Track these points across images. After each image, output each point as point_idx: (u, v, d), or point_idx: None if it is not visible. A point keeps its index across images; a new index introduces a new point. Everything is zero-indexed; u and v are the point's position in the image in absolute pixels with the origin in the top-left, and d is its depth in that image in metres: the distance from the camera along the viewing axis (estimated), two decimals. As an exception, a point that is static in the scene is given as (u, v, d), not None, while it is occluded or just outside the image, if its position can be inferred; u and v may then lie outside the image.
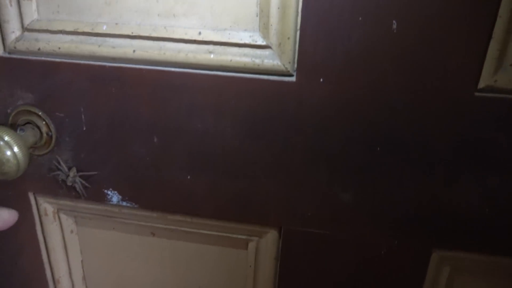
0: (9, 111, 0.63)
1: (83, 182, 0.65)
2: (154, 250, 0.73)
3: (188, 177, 0.62)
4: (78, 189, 0.65)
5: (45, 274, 0.76)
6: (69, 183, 0.65)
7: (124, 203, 0.66)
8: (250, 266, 0.69)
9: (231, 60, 0.54)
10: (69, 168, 0.65)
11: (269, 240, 0.66)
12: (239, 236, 0.67)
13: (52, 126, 0.62)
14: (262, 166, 0.59)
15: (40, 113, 0.62)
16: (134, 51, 0.56)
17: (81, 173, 0.64)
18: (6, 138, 0.56)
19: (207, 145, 0.59)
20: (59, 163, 0.65)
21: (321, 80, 0.52)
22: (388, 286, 0.62)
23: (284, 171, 0.58)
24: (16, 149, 0.56)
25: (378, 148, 0.54)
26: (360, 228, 0.60)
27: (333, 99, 0.53)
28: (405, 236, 0.59)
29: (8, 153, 0.55)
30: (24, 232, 0.73)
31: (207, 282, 0.74)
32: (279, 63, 0.53)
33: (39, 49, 0.58)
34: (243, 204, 0.62)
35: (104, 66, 0.57)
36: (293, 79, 0.53)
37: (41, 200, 0.70)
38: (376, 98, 0.52)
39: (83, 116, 0.61)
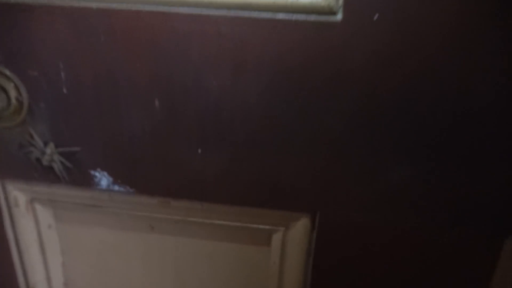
0: (-34, 71, 0.49)
1: (64, 161, 0.51)
2: (153, 249, 0.60)
3: (199, 151, 0.49)
4: (57, 170, 0.51)
5: (16, 281, 0.62)
6: (45, 163, 0.51)
7: (116, 187, 0.53)
8: (274, 263, 0.57)
9: (257, -5, 0.42)
10: (45, 144, 0.51)
11: (299, 230, 0.53)
12: (261, 227, 0.54)
13: (23, 89, 0.49)
14: (294, 135, 0.46)
15: (7, 73, 0.48)
16: (129, -15, 0.43)
17: (60, 149, 0.51)
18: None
19: (223, 109, 0.46)
20: (31, 136, 0.51)
21: (375, 17, 0.41)
22: (453, 282, 0.50)
23: (323, 141, 0.46)
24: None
25: (450, 115, 0.42)
26: (416, 215, 0.48)
27: (390, 43, 0.41)
28: (471, 223, 0.47)
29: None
30: (-10, 229, 0.59)
31: None
32: (321, -2, 0.41)
33: (5, -13, 0.45)
34: (268, 185, 0.50)
35: (90, 9, 0.44)
36: (338, 18, 0.41)
37: (10, 187, 0.56)
38: (449, 42, 0.40)
39: (62, 75, 0.48)
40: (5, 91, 0.49)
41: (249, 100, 0.46)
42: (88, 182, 0.53)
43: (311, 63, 0.43)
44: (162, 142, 0.49)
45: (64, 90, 0.48)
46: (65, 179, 0.53)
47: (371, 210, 0.49)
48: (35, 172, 0.53)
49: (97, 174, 0.52)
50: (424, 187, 0.46)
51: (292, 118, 0.46)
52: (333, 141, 0.46)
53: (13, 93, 0.49)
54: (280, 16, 0.42)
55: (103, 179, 0.53)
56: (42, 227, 0.59)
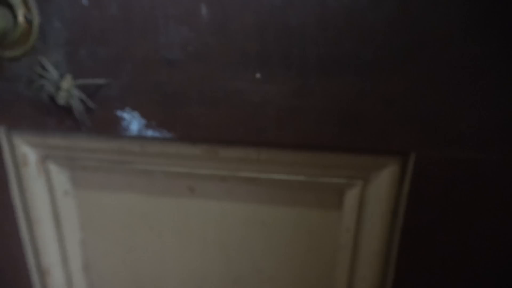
0: (-38, -17, 0.39)
1: (84, 98, 0.40)
2: (192, 219, 0.48)
3: (257, 76, 0.38)
4: (76, 111, 0.40)
5: (26, 263, 0.50)
6: (61, 101, 0.40)
7: (150, 133, 0.42)
8: (348, 230, 0.44)
9: None
10: (61, 76, 0.40)
11: (384, 181, 0.41)
12: (333, 180, 0.42)
13: (32, 3, 0.38)
14: (386, 45, 0.35)
15: (13, -19, 0.38)
16: None
17: (81, 81, 0.40)
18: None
19: (291, 15, 0.35)
20: (43, 67, 0.40)
21: None
22: None
23: (425, 51, 0.35)
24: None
25: None
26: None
27: None
28: None
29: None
30: (-7, 196, 0.48)
31: (273, 266, 0.48)
32: None
33: None
34: (347, 120, 0.38)
35: None
36: None
37: (18, 140, 0.46)
38: None
39: (83, -20, 0.37)
40: (10, 6, 0.38)
41: (326, 1, 0.34)
42: (114, 128, 0.42)
43: None
44: (210, 67, 0.38)
45: (84, 1, 0.38)
46: (86, 125, 0.42)
47: (486, 146, 0.36)
48: (48, 117, 0.43)
49: (125, 115, 0.41)
50: None
51: (383, 22, 0.34)
52: (440, 52, 0.34)
53: (20, 10, 0.39)
54: None
55: (134, 122, 0.41)
56: (58, 194, 0.48)
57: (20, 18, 0.39)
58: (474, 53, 0.34)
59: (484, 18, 0.33)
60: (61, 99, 0.40)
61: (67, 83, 0.40)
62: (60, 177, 0.48)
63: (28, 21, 0.39)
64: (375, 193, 0.42)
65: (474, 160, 0.37)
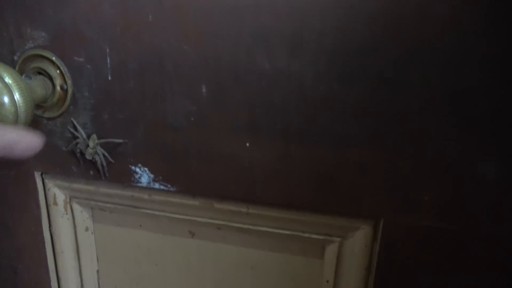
0: (15, 57, 0.48)
1: (106, 154, 0.48)
2: (192, 257, 0.54)
3: (247, 144, 0.44)
4: (99, 164, 0.48)
5: (50, 286, 0.58)
6: (88, 156, 0.48)
7: (157, 185, 0.49)
8: (327, 281, 0.49)
9: (317, -35, 0.38)
10: (88, 136, 0.48)
11: (359, 240, 0.46)
12: (313, 236, 0.47)
13: (68, 76, 0.47)
14: (358, 121, 0.40)
15: (53, 58, 0.46)
16: (180, -38, 0.41)
17: (103, 140, 0.48)
18: (7, 79, 0.40)
19: (276, 95, 0.42)
20: (75, 127, 0.48)
21: (459, -20, 0.35)
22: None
23: (392, 131, 0.40)
24: (17, 95, 0.40)
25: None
26: (509, 219, 0.39)
27: (474, 11, 0.35)
28: None
29: (6, 98, 0.40)
30: (27, 228, 0.56)
31: (263, 305, 0.53)
32: (391, -38, 0.36)
33: (57, -31, 0.44)
34: (324, 184, 0.43)
35: (139, -13, 0.42)
36: (412, -16, 0.36)
37: (50, 183, 0.54)
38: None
39: (108, 60, 0.45)
40: (50, 78, 0.47)
41: (306, 83, 0.40)
42: (128, 178, 0.49)
43: (381, 36, 0.38)
44: (208, 133, 0.45)
45: (109, 77, 0.46)
46: (105, 176, 0.49)
47: (453, 214, 0.41)
48: (76, 167, 0.51)
49: (138, 170, 0.49)
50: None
51: (355, 104, 0.40)
52: (404, 131, 0.39)
53: (58, 81, 0.47)
54: (343, -12, 0.38)
55: (144, 176, 0.49)
56: (79, 230, 0.56)
57: (58, 87, 0.47)
58: (435, 131, 0.39)
59: (441, 97, 0.38)
60: (89, 155, 0.48)
61: (92, 141, 0.48)
62: (82, 215, 0.56)
63: (64, 90, 0.48)
64: (351, 250, 0.47)
65: (434, 228, 0.42)
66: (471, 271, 0.42)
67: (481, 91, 0.37)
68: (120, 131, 0.48)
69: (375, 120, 0.40)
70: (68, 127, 0.49)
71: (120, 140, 0.48)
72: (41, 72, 0.47)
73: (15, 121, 0.41)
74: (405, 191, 0.41)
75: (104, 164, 0.49)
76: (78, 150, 0.49)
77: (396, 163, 0.41)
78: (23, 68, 0.48)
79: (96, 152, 0.48)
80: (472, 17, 0.35)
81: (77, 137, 0.48)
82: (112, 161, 0.49)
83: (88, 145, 0.48)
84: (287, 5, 0.39)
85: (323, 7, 0.38)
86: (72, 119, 0.49)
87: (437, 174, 0.40)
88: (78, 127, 0.48)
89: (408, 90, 0.38)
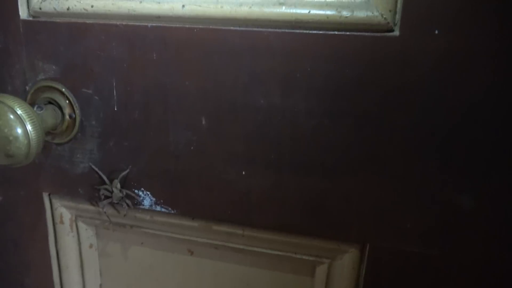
0: (27, 88, 0.51)
1: (130, 193, 0.51)
2: (191, 274, 0.58)
3: (243, 173, 0.47)
4: (124, 206, 0.52)
5: (55, 300, 0.61)
6: (116, 200, 0.51)
7: (158, 208, 0.52)
8: (318, 299, 0.52)
9: (309, 13, 0.41)
10: (111, 181, 0.51)
11: (347, 263, 0.49)
12: (305, 257, 0.51)
13: (76, 106, 0.50)
14: (346, 155, 0.44)
15: (63, 90, 0.50)
16: (183, 6, 0.44)
17: (118, 174, 0.51)
18: (19, 112, 0.43)
19: (271, 129, 0.45)
20: (101, 178, 0.52)
21: (436, 32, 0.38)
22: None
23: (377, 163, 0.43)
24: (29, 126, 0.44)
25: (517, 129, 0.39)
26: (486, 246, 0.43)
27: (453, 58, 0.39)
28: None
29: (19, 130, 0.43)
30: (35, 244, 0.59)
31: (257, 320, 0.57)
32: (376, 13, 0.40)
33: (68, 8, 0.48)
34: (314, 211, 0.47)
35: (145, 27, 0.46)
36: (396, 34, 0.40)
37: (57, 203, 0.57)
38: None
39: (115, 93, 0.49)
40: (60, 108, 0.50)
41: (298, 119, 0.44)
42: (131, 201, 0.52)
43: (366, 80, 0.41)
44: (207, 162, 0.48)
45: (116, 108, 0.49)
46: (123, 210, 0.53)
47: (432, 240, 0.44)
48: (82, 189, 0.54)
49: (140, 193, 0.52)
50: (493, 211, 0.41)
51: (343, 138, 0.43)
52: (388, 165, 0.43)
53: (67, 110, 0.51)
54: (334, 33, 0.41)
55: (146, 199, 0.52)
56: (83, 246, 0.59)
57: (67, 116, 0.51)
58: (417, 165, 0.42)
59: (422, 135, 0.42)
60: (116, 199, 0.51)
61: (115, 186, 0.51)
62: (87, 233, 0.59)
63: (72, 118, 0.51)
64: (340, 271, 0.50)
65: (416, 253, 0.45)
66: (450, 293, 0.46)
67: (461, 130, 0.40)
68: (125, 158, 0.51)
69: (361, 153, 0.43)
70: (75, 152, 0.52)
71: (127, 170, 0.51)
72: (51, 101, 0.51)
73: (28, 152, 0.44)
74: (389, 218, 0.45)
75: (131, 206, 0.52)
76: (104, 197, 0.52)
77: (380, 193, 0.44)
78: (34, 98, 0.51)
79: (122, 197, 0.51)
80: (451, 64, 0.39)
81: (105, 184, 0.52)
82: (131, 205, 0.52)
83: (112, 191, 0.51)
84: (281, 48, 0.42)
85: (314, 51, 0.41)
86: (80, 145, 0.52)
87: (418, 203, 0.43)
88: (103, 177, 0.51)
89: (391, 127, 0.42)
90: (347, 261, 0.49)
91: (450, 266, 0.45)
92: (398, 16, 0.39)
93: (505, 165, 0.40)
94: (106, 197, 0.52)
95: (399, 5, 0.39)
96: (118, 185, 0.51)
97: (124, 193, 0.51)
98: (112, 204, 0.53)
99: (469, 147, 0.40)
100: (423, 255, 0.45)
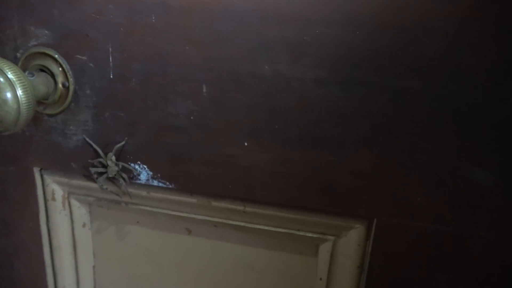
0: (18, 54, 0.48)
1: (126, 166, 0.49)
2: (189, 254, 0.55)
3: (246, 144, 0.45)
4: (122, 182, 0.49)
5: (45, 282, 0.59)
6: (111, 174, 0.49)
7: (155, 183, 0.50)
8: (321, 279, 0.51)
9: (319, -27, 0.39)
10: (106, 154, 0.49)
11: (352, 239, 0.47)
12: (308, 234, 0.49)
13: (70, 74, 0.48)
14: (356, 127, 0.42)
15: (56, 56, 0.47)
16: (185, -34, 0.42)
17: (113, 147, 0.48)
18: (10, 75, 0.41)
19: (277, 97, 0.43)
20: (97, 153, 0.49)
21: (453, -7, 0.37)
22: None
23: (389, 134, 0.41)
24: (20, 91, 0.41)
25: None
26: (503, 222, 0.41)
27: (476, 22, 0.37)
28: None
29: (9, 94, 0.40)
30: (25, 223, 0.56)
31: (257, 302, 0.55)
32: (390, -27, 0.38)
33: (62, -31, 0.45)
34: (320, 187, 0.45)
35: (144, -12, 0.43)
36: (409, -5, 0.38)
37: (48, 179, 0.54)
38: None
39: (111, 60, 0.46)
40: (52, 75, 0.48)
41: (306, 88, 0.42)
42: (127, 175, 0.50)
43: (379, 45, 0.39)
44: (208, 132, 0.46)
45: (111, 76, 0.47)
46: (129, 193, 0.50)
47: (445, 215, 0.42)
48: (75, 163, 0.51)
49: (137, 167, 0.49)
50: (505, 193, 0.40)
51: (354, 109, 0.41)
52: (402, 135, 0.41)
53: (60, 78, 0.48)
54: (343, -5, 0.39)
55: (143, 173, 0.50)
56: (76, 226, 0.57)
57: (60, 85, 0.48)
58: (430, 137, 0.41)
59: (439, 107, 0.40)
60: (112, 172, 0.49)
61: (110, 159, 0.49)
62: (80, 211, 0.56)
63: (65, 87, 0.48)
64: (344, 248, 0.48)
65: (426, 229, 0.43)
66: (464, 271, 0.44)
67: (478, 104, 0.38)
68: (121, 130, 0.48)
69: (372, 127, 0.41)
70: (67, 124, 0.50)
71: (123, 142, 0.48)
72: (44, 69, 0.48)
73: (17, 118, 0.41)
74: (398, 193, 0.43)
75: (127, 181, 0.49)
76: (95, 173, 0.50)
77: (392, 167, 0.42)
78: (26, 65, 0.48)
79: (120, 175, 0.49)
80: (473, 34, 0.37)
81: (103, 164, 0.49)
82: (127, 179, 0.49)
83: (107, 164, 0.49)
84: (290, 12, 0.40)
85: (326, 16, 0.39)
86: (73, 116, 0.49)
87: (431, 177, 0.42)
88: (99, 151, 0.49)
89: (407, 99, 0.40)
90: (352, 237, 0.47)
91: (463, 243, 0.43)
92: (412, -23, 0.38)
93: (521, 135, 0.38)
94: (100, 173, 0.50)
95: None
96: (113, 158, 0.49)
97: (120, 166, 0.49)
98: (109, 179, 0.50)
99: (486, 120, 0.39)
100: (434, 231, 0.43)
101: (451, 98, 0.39)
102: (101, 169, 0.49)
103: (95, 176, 0.50)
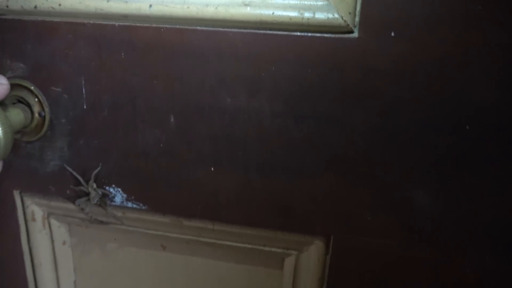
0: (-5, 86, 0.51)
1: (105, 192, 0.52)
2: (163, 269, 0.59)
3: (212, 169, 0.49)
4: (105, 206, 0.53)
5: (28, 297, 0.62)
6: (93, 201, 0.52)
7: (130, 204, 0.53)
8: (286, 290, 0.54)
9: (272, 14, 0.42)
10: (87, 182, 0.52)
11: (313, 254, 0.51)
12: (273, 250, 0.53)
13: (46, 104, 0.50)
14: (310, 156, 0.45)
15: (32, 88, 0.50)
16: (150, 6, 0.45)
17: (102, 191, 0.52)
18: (-15, 111, 0.44)
19: (237, 128, 0.46)
20: (78, 180, 0.52)
21: (392, 34, 0.40)
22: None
23: (339, 161, 0.45)
24: (-3, 126, 0.44)
25: (467, 127, 0.41)
26: (443, 241, 0.45)
27: (409, 61, 0.40)
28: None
29: (-14, 129, 0.43)
30: (6, 243, 0.59)
31: (229, 312, 0.58)
32: (336, 16, 0.41)
33: (35, 6, 0.47)
34: (281, 207, 0.48)
35: (113, 26, 0.46)
36: (355, 35, 0.41)
37: (28, 201, 0.57)
38: (472, 58, 0.39)
39: (84, 91, 0.49)
40: (29, 106, 0.51)
41: (263, 120, 0.45)
42: (108, 200, 0.53)
43: (327, 82, 0.43)
44: (176, 159, 0.49)
45: (85, 106, 0.50)
46: (115, 218, 0.54)
47: (392, 232, 0.46)
48: (54, 186, 0.54)
49: (112, 190, 0.53)
50: (449, 208, 0.44)
51: (306, 137, 0.45)
52: (350, 163, 0.45)
53: (36, 108, 0.51)
54: (297, 34, 0.42)
55: (118, 196, 0.53)
56: (57, 243, 0.60)
57: (36, 114, 0.51)
58: (377, 164, 0.44)
59: (381, 135, 0.44)
60: (94, 200, 0.52)
61: (91, 186, 0.52)
62: (59, 230, 0.59)
63: (42, 116, 0.51)
64: (306, 262, 0.52)
65: (376, 244, 0.47)
66: (413, 285, 0.48)
67: (419, 133, 0.42)
68: (95, 156, 0.51)
69: (324, 155, 0.45)
70: (45, 150, 0.52)
71: (99, 168, 0.51)
72: (20, 100, 0.51)
73: (-4, 151, 0.44)
74: (351, 212, 0.47)
75: (109, 204, 0.53)
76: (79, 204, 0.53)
77: (343, 191, 0.46)
78: (2, 96, 0.51)
79: (100, 197, 0.52)
80: (410, 73, 0.41)
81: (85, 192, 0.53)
82: (105, 203, 0.53)
83: (89, 192, 0.52)
84: (246, 49, 0.43)
85: (278, 52, 0.43)
86: (49, 144, 0.52)
87: (377, 199, 0.45)
88: (79, 177, 0.52)
89: (352, 129, 0.43)
90: (312, 252, 0.51)
91: (410, 258, 0.47)
92: (357, 19, 0.41)
93: (457, 168, 0.42)
94: (85, 198, 0.53)
95: (358, 8, 0.41)
96: (94, 185, 0.52)
97: (101, 193, 0.52)
98: (89, 201, 0.53)
99: (426, 149, 0.42)
100: (384, 246, 0.47)
101: (392, 129, 0.42)
102: (84, 198, 0.52)
103: (78, 204, 0.53)
